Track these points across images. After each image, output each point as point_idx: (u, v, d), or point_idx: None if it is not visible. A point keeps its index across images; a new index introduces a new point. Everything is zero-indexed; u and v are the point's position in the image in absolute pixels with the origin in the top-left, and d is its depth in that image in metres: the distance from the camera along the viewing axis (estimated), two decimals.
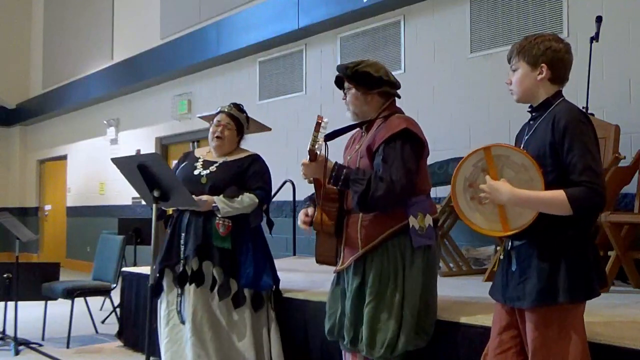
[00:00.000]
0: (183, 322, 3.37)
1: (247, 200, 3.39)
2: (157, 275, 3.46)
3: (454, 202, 2.12)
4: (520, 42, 2.16)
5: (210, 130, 3.58)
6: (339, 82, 2.87)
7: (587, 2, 4.63)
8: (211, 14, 8.21)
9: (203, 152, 3.66)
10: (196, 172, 3.50)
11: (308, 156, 2.61)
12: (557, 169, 2.00)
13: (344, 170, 2.62)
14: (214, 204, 3.35)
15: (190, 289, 3.37)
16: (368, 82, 2.74)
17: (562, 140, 1.98)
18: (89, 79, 10.87)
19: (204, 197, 3.36)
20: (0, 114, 13.47)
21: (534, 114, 2.18)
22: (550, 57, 2.09)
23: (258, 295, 3.46)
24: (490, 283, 2.32)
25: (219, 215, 3.37)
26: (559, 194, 1.94)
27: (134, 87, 9.76)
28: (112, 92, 10.26)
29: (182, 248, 3.43)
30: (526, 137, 2.15)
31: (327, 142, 2.64)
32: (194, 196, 3.33)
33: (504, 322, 2.18)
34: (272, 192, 3.75)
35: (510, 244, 2.14)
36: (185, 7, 8.76)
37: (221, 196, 3.37)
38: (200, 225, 3.40)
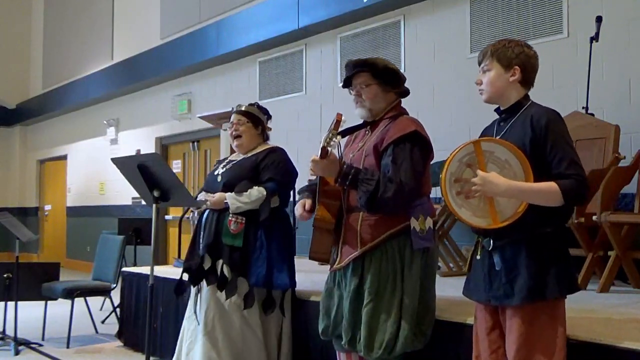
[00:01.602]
0: (199, 323, 3.36)
1: (255, 193, 3.32)
2: (183, 274, 3.47)
3: (445, 198, 2.13)
4: (494, 44, 2.25)
5: (228, 134, 3.58)
6: (350, 76, 2.79)
7: (587, 2, 4.62)
8: (211, 14, 8.21)
9: (233, 155, 3.66)
10: (216, 172, 3.52)
11: (319, 153, 2.55)
12: (534, 165, 2.06)
13: (353, 170, 2.59)
14: (225, 201, 3.33)
15: (203, 287, 3.37)
16: (394, 80, 2.74)
17: (545, 138, 2.08)
18: (89, 79, 10.87)
19: (216, 194, 3.35)
20: (0, 114, 13.47)
21: (503, 115, 2.26)
22: (523, 61, 2.20)
23: (269, 297, 3.37)
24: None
25: (231, 212, 3.34)
26: (552, 185, 2.02)
27: (134, 87, 9.76)
28: (112, 92, 10.25)
29: (200, 246, 3.44)
30: (497, 138, 2.19)
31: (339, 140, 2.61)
32: (209, 194, 3.34)
33: (489, 322, 2.23)
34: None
35: (491, 244, 2.17)
36: (185, 7, 8.76)
37: (233, 192, 3.35)
38: (213, 222, 3.39)
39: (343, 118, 2.49)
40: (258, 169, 3.41)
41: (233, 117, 3.56)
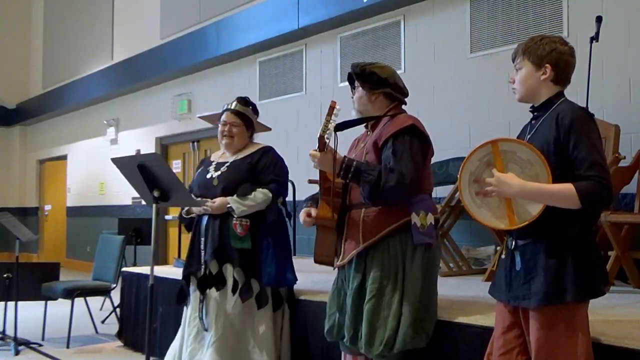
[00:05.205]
0: (206, 329, 3.34)
1: (260, 196, 3.35)
2: (184, 282, 3.46)
3: (460, 197, 2.12)
4: (526, 42, 2.19)
5: (219, 130, 3.53)
6: (352, 80, 2.90)
7: (587, 2, 4.63)
8: (211, 14, 8.21)
9: (218, 155, 3.63)
10: (208, 176, 3.48)
11: (317, 144, 2.58)
12: (560, 166, 2.01)
13: (354, 162, 2.62)
14: (228, 205, 3.33)
15: (211, 293, 3.35)
16: (374, 81, 2.78)
17: (568, 137, 2.01)
18: (89, 79, 10.87)
19: (217, 200, 3.34)
20: (0, 114, 13.47)
21: (535, 113, 2.20)
22: (555, 58, 2.12)
23: (277, 294, 3.44)
24: (490, 283, 2.32)
25: (235, 216, 3.34)
26: (568, 187, 1.95)
27: (134, 87, 9.76)
28: (112, 92, 10.25)
29: (202, 252, 3.41)
30: (528, 137, 2.16)
31: (336, 133, 2.63)
32: (209, 199, 3.33)
33: (507, 322, 2.18)
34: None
35: (513, 243, 2.14)
36: (185, 7, 8.76)
37: (234, 196, 3.34)
38: (217, 227, 3.37)
39: (337, 105, 2.51)
40: (255, 170, 3.42)
41: (227, 116, 3.50)
